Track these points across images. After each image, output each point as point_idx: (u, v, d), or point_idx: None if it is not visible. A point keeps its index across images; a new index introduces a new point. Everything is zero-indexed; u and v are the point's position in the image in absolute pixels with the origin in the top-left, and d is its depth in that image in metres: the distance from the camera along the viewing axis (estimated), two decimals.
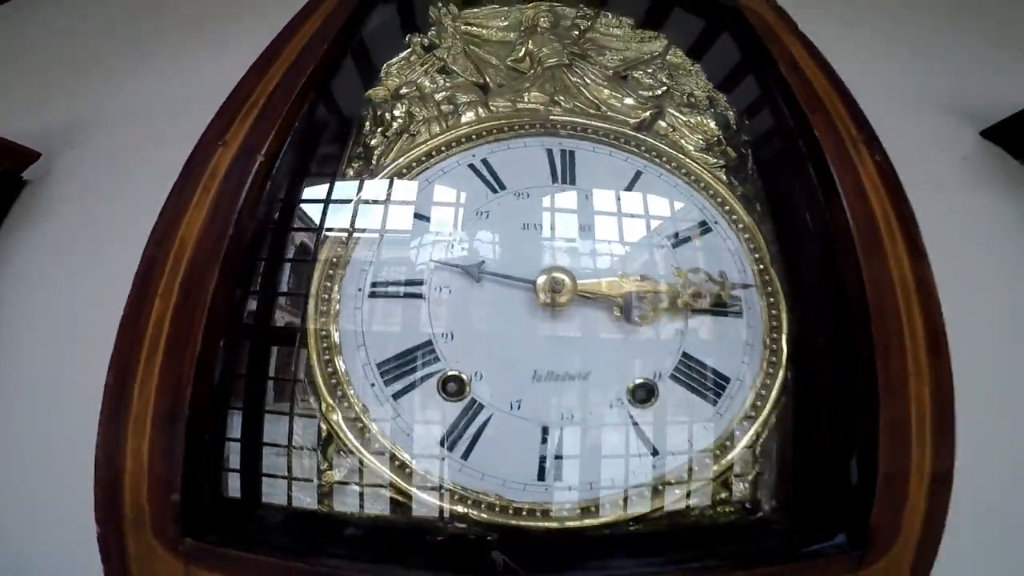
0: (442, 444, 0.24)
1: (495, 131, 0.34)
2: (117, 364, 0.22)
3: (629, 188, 0.31)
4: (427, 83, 0.38)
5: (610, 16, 0.43)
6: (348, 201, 0.29)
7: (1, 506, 0.44)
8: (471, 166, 0.32)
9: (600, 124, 0.34)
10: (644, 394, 0.25)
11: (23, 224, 0.80)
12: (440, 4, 0.42)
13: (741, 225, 0.30)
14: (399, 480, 0.24)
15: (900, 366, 0.24)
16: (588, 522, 0.24)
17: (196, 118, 0.68)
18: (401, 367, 0.25)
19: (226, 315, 0.24)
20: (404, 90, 0.38)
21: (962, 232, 0.69)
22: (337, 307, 0.27)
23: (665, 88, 0.36)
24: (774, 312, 0.28)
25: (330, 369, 0.25)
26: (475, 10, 0.43)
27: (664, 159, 0.32)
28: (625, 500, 0.24)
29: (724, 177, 0.32)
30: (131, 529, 0.22)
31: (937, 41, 0.88)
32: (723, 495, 0.26)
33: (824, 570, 0.24)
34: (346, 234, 0.28)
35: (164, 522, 0.22)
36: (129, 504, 0.22)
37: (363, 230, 0.29)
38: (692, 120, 0.34)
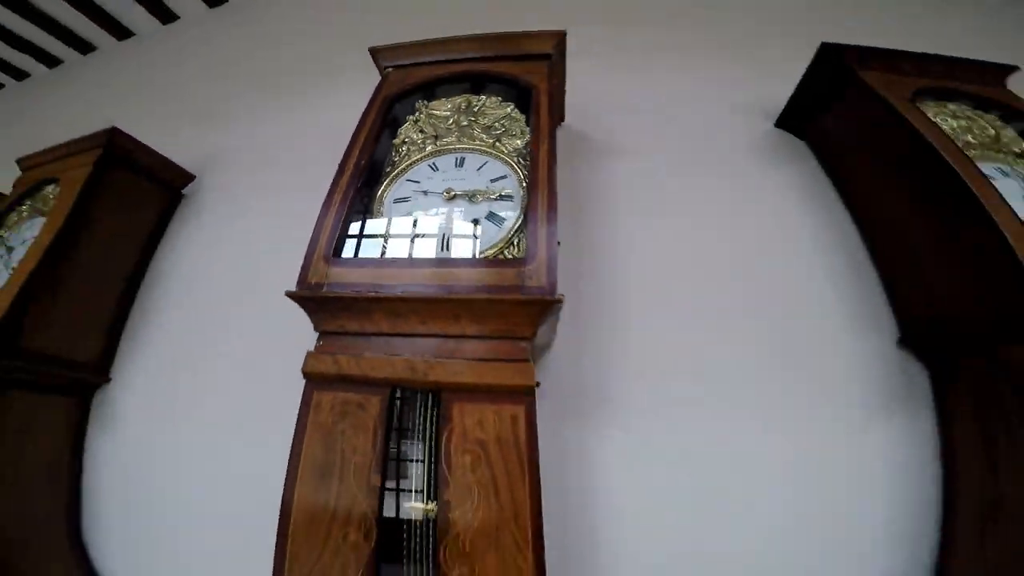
0: (411, 242, 0.80)
1: (437, 152, 0.91)
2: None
3: (480, 167, 0.87)
4: (415, 136, 0.96)
5: (492, 98, 1.00)
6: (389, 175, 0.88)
7: None
8: (428, 164, 0.90)
9: (474, 146, 0.91)
10: (473, 223, 0.80)
11: (184, 226, 1.42)
12: (418, 101, 1.01)
13: (517, 177, 0.85)
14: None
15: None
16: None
17: (311, 151, 1.31)
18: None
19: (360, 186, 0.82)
20: (406, 139, 0.96)
21: (760, 194, 1.16)
22: (384, 201, 0.84)
23: (504, 129, 0.93)
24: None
25: None
26: (435, 102, 1.02)
27: (496, 156, 0.88)
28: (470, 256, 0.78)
29: (518, 160, 0.87)
30: (315, 262, 0.73)
31: (743, 57, 1.36)
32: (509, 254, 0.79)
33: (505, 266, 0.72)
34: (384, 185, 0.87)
35: (327, 252, 0.74)
36: (317, 252, 0.75)
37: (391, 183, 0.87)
38: (511, 142, 0.91)
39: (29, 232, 1.30)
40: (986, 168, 0.90)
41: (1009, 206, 0.78)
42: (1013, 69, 1.11)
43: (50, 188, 1.38)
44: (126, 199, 1.35)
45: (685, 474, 0.87)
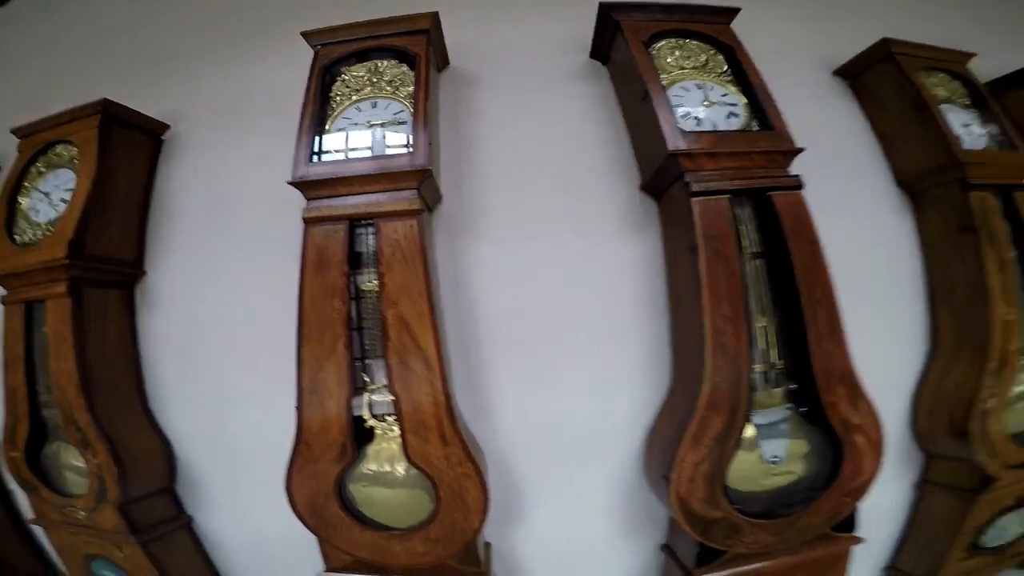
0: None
1: (359, 100, 1.58)
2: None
3: (387, 107, 1.56)
4: (343, 90, 1.62)
5: (392, 61, 1.67)
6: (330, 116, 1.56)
7: None
8: (354, 108, 1.57)
9: (382, 94, 1.58)
10: (383, 137, 1.50)
11: (165, 166, 2.03)
12: (343, 66, 1.68)
13: (409, 111, 1.55)
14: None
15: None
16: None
17: (266, 104, 1.95)
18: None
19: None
20: (338, 92, 1.62)
21: (571, 103, 1.90)
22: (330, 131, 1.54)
23: (401, 81, 1.61)
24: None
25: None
26: (354, 67, 1.68)
27: (396, 99, 1.57)
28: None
29: (410, 100, 1.55)
30: (300, 163, 1.41)
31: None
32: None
33: (402, 157, 1.43)
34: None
35: (306, 158, 1.42)
36: (300, 157, 1.44)
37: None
38: (405, 89, 1.60)
39: (57, 179, 1.86)
40: (687, 83, 1.65)
41: (668, 102, 1.52)
42: (736, 11, 1.66)
43: (61, 147, 1.91)
44: (126, 146, 1.91)
45: (520, 267, 1.69)
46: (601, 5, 1.76)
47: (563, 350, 1.67)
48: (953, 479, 1.82)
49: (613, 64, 1.91)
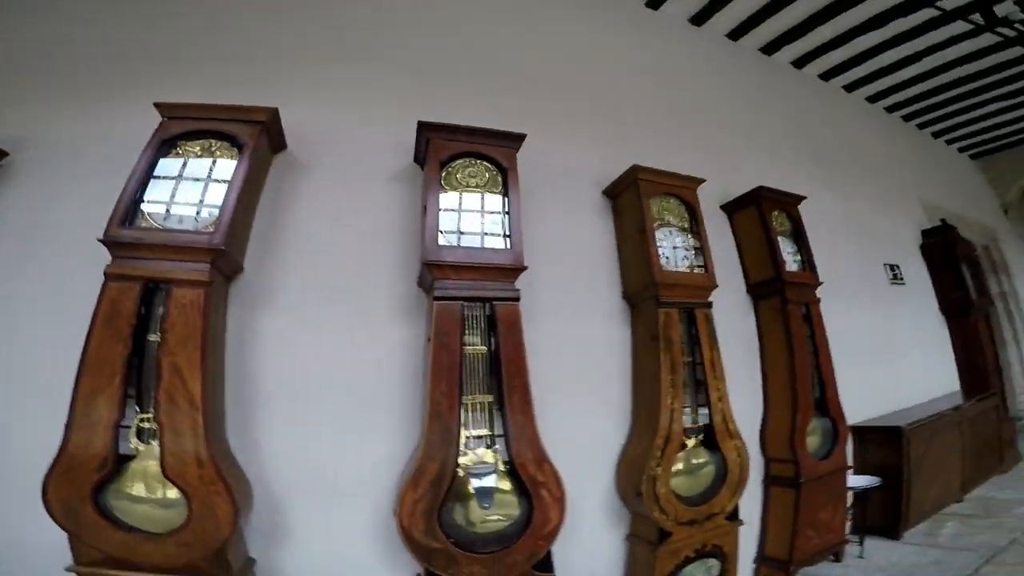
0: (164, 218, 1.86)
1: (188, 176, 1.98)
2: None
3: (206, 186, 1.96)
4: (176, 160, 2.00)
5: (225, 143, 2.07)
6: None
7: None
8: (180, 181, 1.96)
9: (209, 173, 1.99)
10: (197, 213, 1.89)
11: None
12: (179, 143, 2.04)
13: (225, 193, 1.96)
14: None
15: None
16: None
17: (101, 153, 2.23)
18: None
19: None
20: (170, 163, 2.00)
21: (389, 200, 2.38)
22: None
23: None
24: None
25: None
26: (190, 143, 2.05)
27: (219, 179, 1.98)
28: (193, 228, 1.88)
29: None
30: (113, 226, 1.76)
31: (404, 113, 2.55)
32: (212, 227, 1.90)
33: (203, 233, 1.87)
34: None
35: (121, 222, 1.80)
36: (115, 220, 1.79)
37: None
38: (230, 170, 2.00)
39: None
40: (475, 197, 2.23)
41: (436, 218, 2.05)
42: (523, 136, 2.22)
43: None
44: None
45: (305, 337, 2.10)
46: (419, 123, 2.28)
47: (336, 406, 2.09)
48: (645, 532, 2.41)
49: (424, 172, 2.45)
